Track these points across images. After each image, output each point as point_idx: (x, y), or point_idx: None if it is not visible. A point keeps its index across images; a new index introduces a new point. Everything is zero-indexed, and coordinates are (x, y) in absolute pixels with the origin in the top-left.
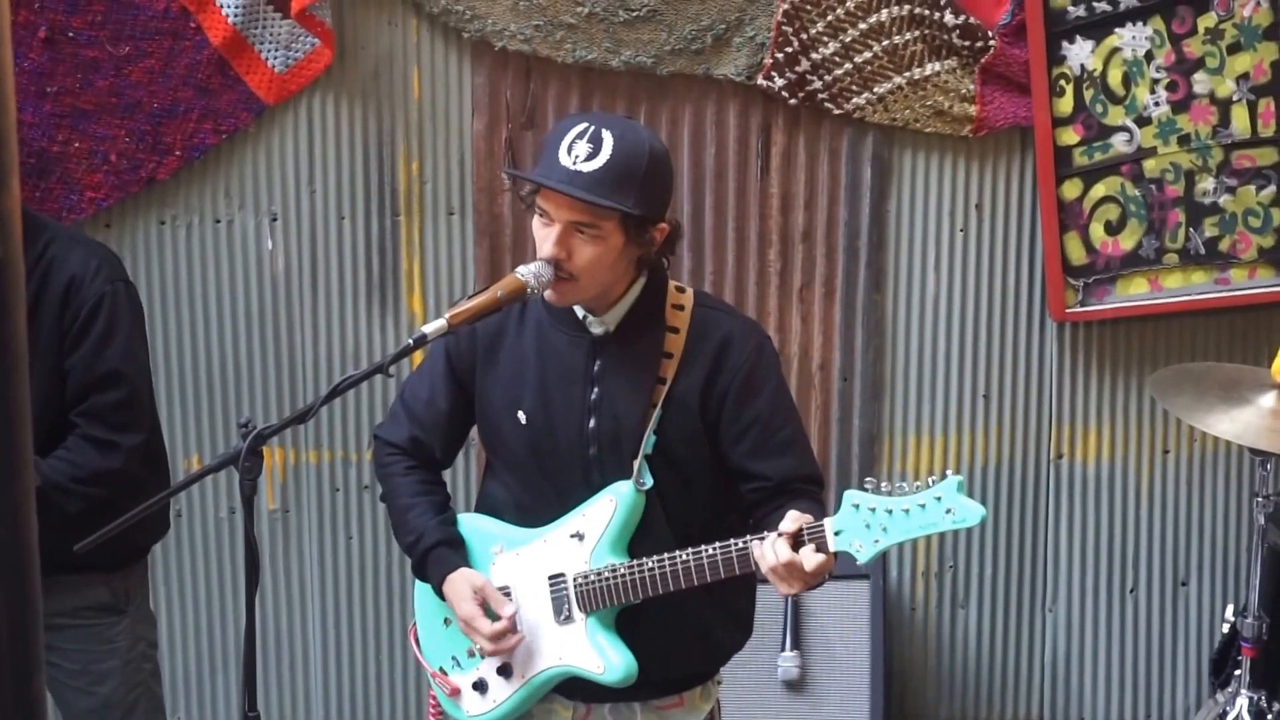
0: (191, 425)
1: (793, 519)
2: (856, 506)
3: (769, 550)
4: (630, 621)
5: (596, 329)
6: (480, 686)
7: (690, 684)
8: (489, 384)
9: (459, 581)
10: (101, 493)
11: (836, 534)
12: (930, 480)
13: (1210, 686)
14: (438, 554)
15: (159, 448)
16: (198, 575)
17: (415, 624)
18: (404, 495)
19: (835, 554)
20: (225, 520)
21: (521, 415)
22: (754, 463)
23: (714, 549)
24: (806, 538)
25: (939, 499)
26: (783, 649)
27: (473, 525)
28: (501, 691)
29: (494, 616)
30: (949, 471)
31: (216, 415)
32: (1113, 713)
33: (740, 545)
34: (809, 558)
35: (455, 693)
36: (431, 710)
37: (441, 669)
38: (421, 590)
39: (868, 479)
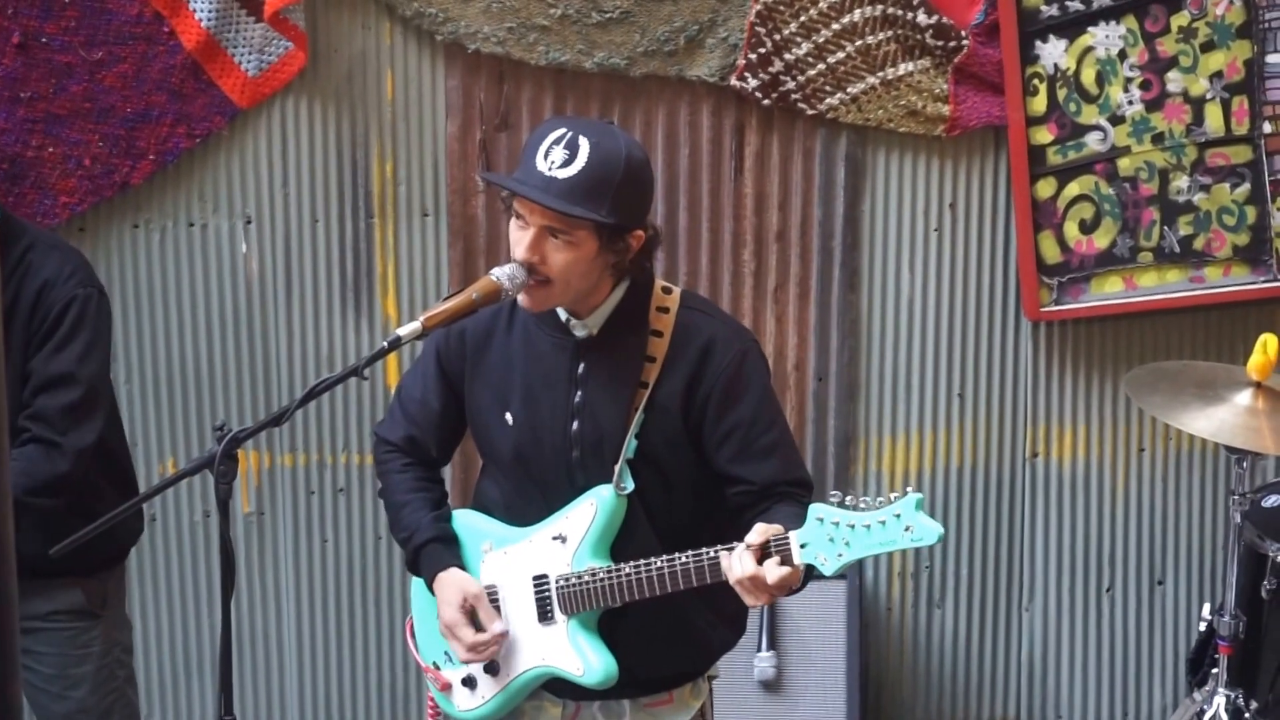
0: (166, 429)
1: (759, 531)
2: (821, 520)
3: (735, 563)
4: (617, 621)
5: (580, 332)
6: (469, 682)
7: (680, 681)
8: (478, 385)
9: (449, 584)
10: (55, 502)
11: (802, 547)
12: (893, 496)
13: (1187, 685)
14: (430, 550)
15: (119, 454)
16: (173, 579)
17: (411, 618)
18: (400, 492)
19: (802, 567)
20: (200, 524)
21: (509, 417)
22: (737, 467)
23: (687, 557)
24: (773, 549)
25: (898, 516)
26: (759, 649)
27: (465, 521)
28: (489, 689)
29: (480, 626)
30: (909, 489)
31: (191, 419)
32: (1090, 712)
33: (711, 555)
34: (772, 571)
35: (446, 687)
36: (430, 709)
37: (434, 664)
38: (418, 585)
39: (833, 492)
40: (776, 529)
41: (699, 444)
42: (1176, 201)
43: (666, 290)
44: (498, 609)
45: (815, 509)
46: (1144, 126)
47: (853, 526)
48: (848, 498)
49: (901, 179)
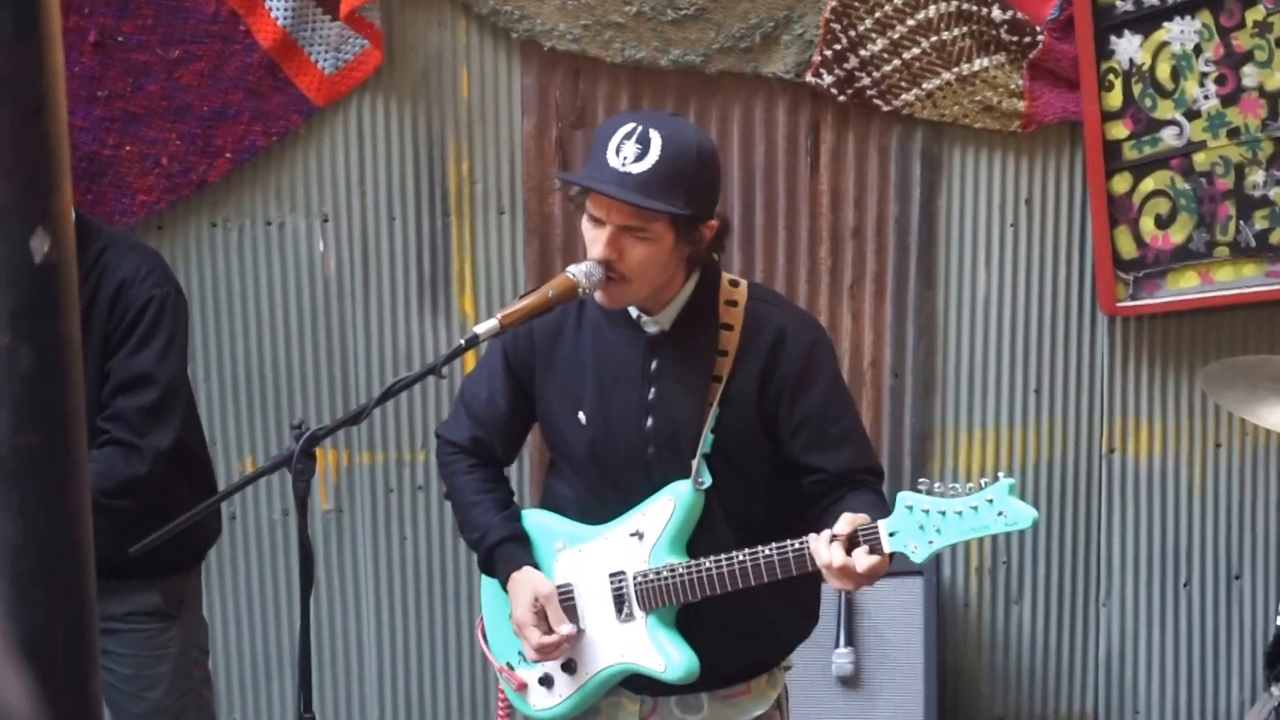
0: (244, 427)
1: (847, 520)
2: (910, 508)
3: (823, 550)
4: (692, 614)
5: (651, 328)
6: (546, 681)
7: (757, 672)
8: (548, 385)
9: (522, 583)
10: (132, 504)
11: (891, 535)
12: (983, 482)
13: (1265, 680)
14: (504, 550)
15: (198, 455)
16: (251, 577)
17: (482, 619)
18: (468, 493)
19: (890, 555)
20: (279, 522)
21: (581, 416)
22: (811, 456)
23: (770, 550)
24: (861, 539)
25: (990, 501)
26: (836, 645)
27: (536, 521)
28: (566, 687)
29: (550, 629)
30: (1000, 474)
31: (269, 417)
32: (1167, 708)
33: (796, 546)
34: (861, 560)
35: (521, 687)
36: (500, 707)
37: (508, 664)
38: (489, 585)
39: (920, 480)
40: (863, 518)
41: (773, 435)
42: (1252, 196)
43: (734, 284)
44: (573, 607)
45: (903, 497)
46: (1220, 121)
47: (943, 513)
48: (936, 485)
49: (977, 175)
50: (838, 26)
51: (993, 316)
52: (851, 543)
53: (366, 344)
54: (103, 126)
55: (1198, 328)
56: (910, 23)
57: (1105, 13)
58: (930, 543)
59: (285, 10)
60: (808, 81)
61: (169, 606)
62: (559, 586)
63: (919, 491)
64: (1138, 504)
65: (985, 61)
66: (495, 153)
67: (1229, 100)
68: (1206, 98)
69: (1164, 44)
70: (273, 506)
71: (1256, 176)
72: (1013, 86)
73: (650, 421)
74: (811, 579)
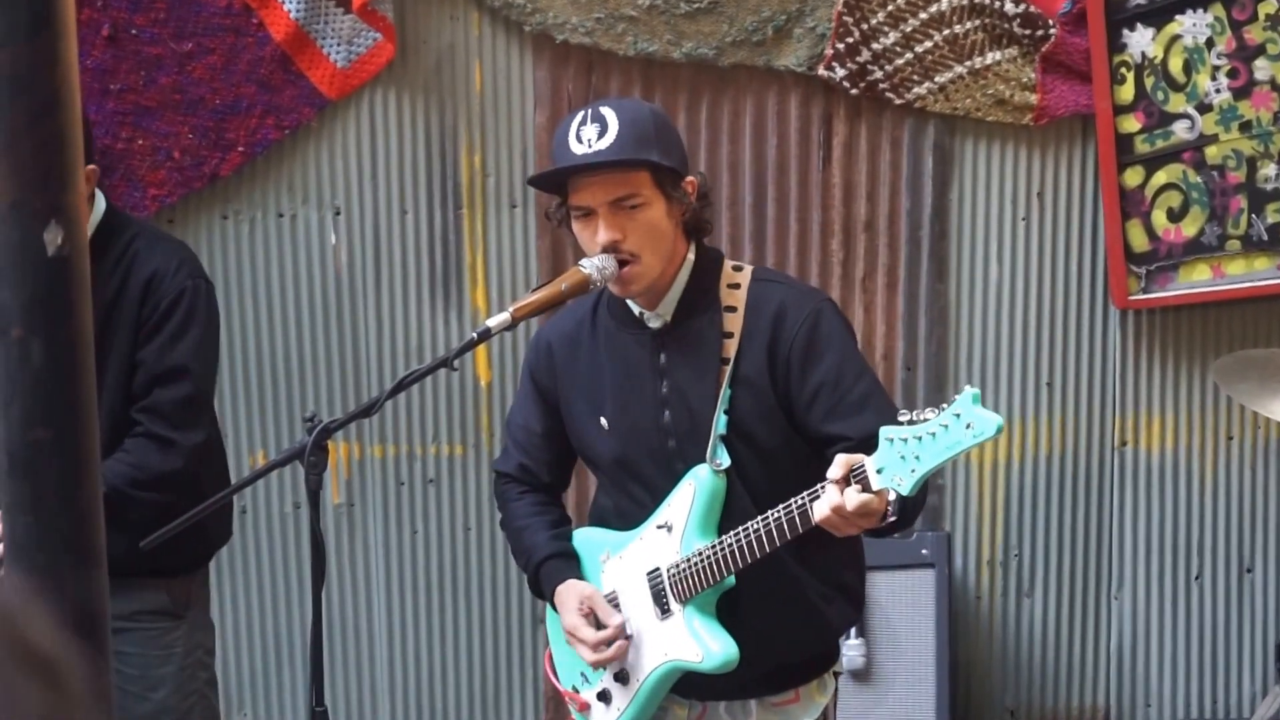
0: (256, 420)
1: (840, 463)
2: (891, 441)
3: (820, 503)
4: (735, 612)
5: (654, 323)
6: (604, 697)
7: (806, 677)
8: (573, 397)
9: (566, 593)
10: (162, 498)
11: (879, 472)
12: (954, 398)
13: (1276, 673)
14: (549, 567)
15: (219, 449)
16: (263, 570)
17: (550, 650)
18: (518, 518)
19: (884, 493)
20: (290, 515)
21: (604, 421)
22: (831, 424)
23: (778, 511)
24: (853, 480)
25: (958, 415)
26: (847, 638)
27: (583, 538)
28: (622, 699)
29: (601, 626)
30: (966, 385)
31: (281, 410)
32: (1178, 700)
33: (799, 502)
34: (851, 497)
35: (585, 708)
36: None
37: (573, 687)
38: (553, 614)
39: (901, 412)
40: (857, 458)
41: (791, 410)
42: (1264, 189)
43: (737, 268)
44: (619, 612)
45: (885, 431)
46: (1231, 115)
47: (920, 439)
48: (914, 413)
49: (989, 168)
50: (850, 20)
51: (1004, 310)
52: (846, 485)
53: (378, 337)
54: (115, 120)
55: (1209, 321)
56: (923, 16)
57: (1117, 6)
58: (913, 471)
59: (298, 3)
60: (820, 75)
61: (175, 607)
62: (606, 596)
63: (901, 423)
64: (1149, 497)
65: (997, 55)
66: (508, 146)
67: (1241, 94)
68: (1218, 91)
69: (1176, 37)
70: (285, 500)
71: (1268, 170)
72: (1025, 80)
73: (667, 415)
74: (854, 563)
